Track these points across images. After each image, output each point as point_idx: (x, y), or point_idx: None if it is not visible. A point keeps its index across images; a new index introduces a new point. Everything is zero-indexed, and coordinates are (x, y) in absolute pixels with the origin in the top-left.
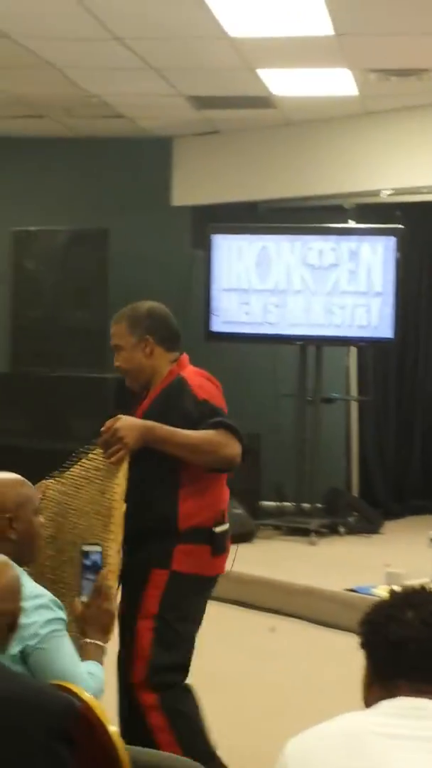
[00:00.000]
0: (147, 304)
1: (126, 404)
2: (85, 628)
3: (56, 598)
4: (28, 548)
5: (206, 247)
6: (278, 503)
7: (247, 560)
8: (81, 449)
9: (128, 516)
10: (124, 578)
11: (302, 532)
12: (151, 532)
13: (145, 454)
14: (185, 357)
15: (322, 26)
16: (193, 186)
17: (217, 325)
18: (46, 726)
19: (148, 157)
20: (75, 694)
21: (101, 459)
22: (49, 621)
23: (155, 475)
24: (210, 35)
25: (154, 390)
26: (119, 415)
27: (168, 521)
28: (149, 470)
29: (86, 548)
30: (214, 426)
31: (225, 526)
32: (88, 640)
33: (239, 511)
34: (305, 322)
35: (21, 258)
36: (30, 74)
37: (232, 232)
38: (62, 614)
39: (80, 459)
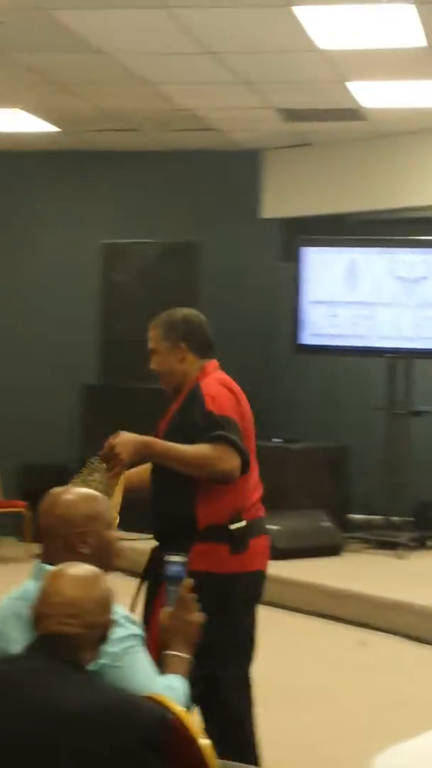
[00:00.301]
0: (183, 311)
1: None
2: (168, 639)
3: (129, 614)
4: (101, 562)
5: (295, 260)
6: (367, 516)
7: (335, 573)
8: (89, 461)
9: (154, 519)
10: (149, 583)
11: (391, 546)
12: (173, 532)
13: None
14: (210, 364)
15: (415, 38)
16: (282, 198)
17: (306, 337)
18: (140, 737)
19: (237, 169)
20: (167, 707)
21: (103, 472)
22: (123, 638)
23: (175, 479)
24: (300, 48)
25: (181, 394)
26: (119, 431)
27: (187, 521)
28: (170, 475)
29: (169, 558)
30: (214, 439)
31: (242, 524)
32: (172, 653)
33: (327, 524)
34: (394, 335)
35: (111, 271)
36: (122, 89)
37: (321, 244)
38: (136, 629)
39: (87, 470)
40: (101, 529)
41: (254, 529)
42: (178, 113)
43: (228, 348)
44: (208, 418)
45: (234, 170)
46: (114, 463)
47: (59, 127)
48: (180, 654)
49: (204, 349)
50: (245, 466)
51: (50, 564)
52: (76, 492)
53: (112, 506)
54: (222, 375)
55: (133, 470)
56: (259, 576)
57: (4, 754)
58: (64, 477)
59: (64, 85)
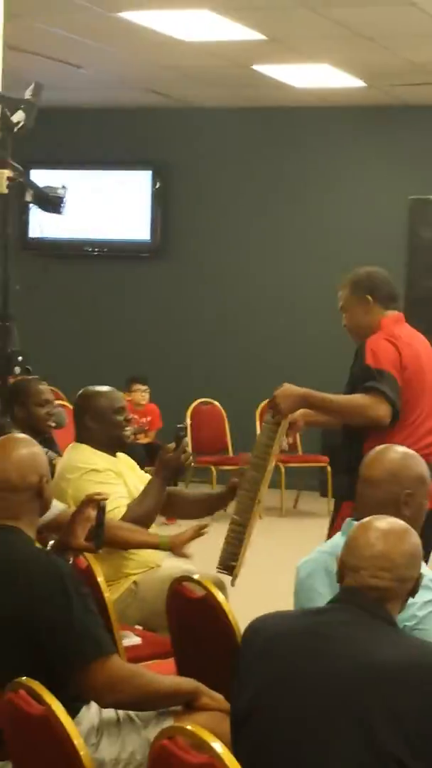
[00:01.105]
0: (367, 269)
1: None
2: None
3: None
4: (414, 525)
5: None
6: None
7: None
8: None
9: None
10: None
11: None
12: (346, 469)
13: None
14: (391, 316)
15: None
16: None
17: None
18: None
19: None
20: None
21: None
22: (427, 603)
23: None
24: None
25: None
26: (283, 384)
27: (357, 460)
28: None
29: None
30: (366, 390)
31: None
32: None
33: None
34: None
35: (417, 227)
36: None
37: None
38: None
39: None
40: (423, 494)
41: None
42: None
43: None
44: (365, 371)
45: None
46: (275, 411)
47: (365, 81)
48: None
49: (387, 301)
50: (396, 415)
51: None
52: (403, 451)
53: (272, 449)
54: (396, 329)
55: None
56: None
57: (313, 705)
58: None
59: (373, 38)
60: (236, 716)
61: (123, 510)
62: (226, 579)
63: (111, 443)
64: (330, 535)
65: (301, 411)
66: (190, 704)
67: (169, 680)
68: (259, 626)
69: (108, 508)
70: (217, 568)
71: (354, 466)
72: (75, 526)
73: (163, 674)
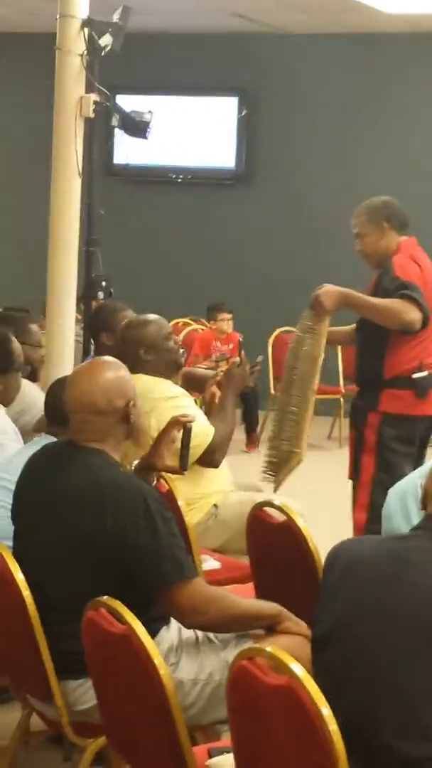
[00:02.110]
0: (382, 198)
1: None
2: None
3: None
4: None
5: None
6: None
7: None
8: (303, 312)
9: (355, 370)
10: (354, 421)
11: None
12: (367, 382)
13: (365, 324)
14: (406, 241)
15: None
16: None
17: None
18: None
19: None
20: None
21: (312, 317)
22: None
23: (370, 336)
24: None
25: (382, 268)
26: (324, 284)
27: (376, 372)
28: (367, 332)
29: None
30: (399, 296)
31: (423, 374)
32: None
33: None
34: None
35: None
36: None
37: None
38: None
39: (301, 319)
40: None
41: None
42: None
43: None
44: (395, 282)
45: None
46: (318, 309)
47: None
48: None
49: (402, 226)
50: (425, 321)
51: None
52: None
53: (318, 345)
54: (414, 251)
55: (345, 328)
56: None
57: (393, 631)
58: None
59: None
60: (316, 640)
61: (212, 428)
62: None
63: (169, 369)
64: (363, 455)
65: None
66: (272, 628)
67: (252, 603)
68: (340, 551)
69: (196, 429)
70: (266, 462)
71: (374, 377)
72: (161, 447)
73: (245, 598)
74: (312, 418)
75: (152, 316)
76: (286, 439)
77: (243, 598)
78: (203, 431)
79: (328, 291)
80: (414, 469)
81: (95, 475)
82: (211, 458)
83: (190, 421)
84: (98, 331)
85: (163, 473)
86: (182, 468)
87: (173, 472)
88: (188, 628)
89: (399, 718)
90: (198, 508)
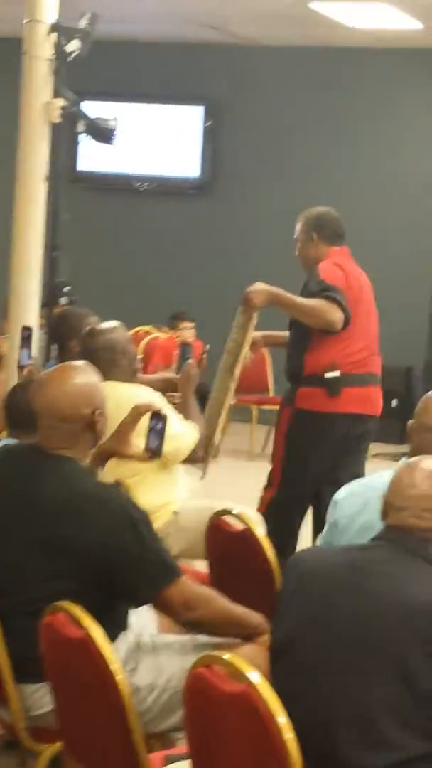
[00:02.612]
0: (318, 209)
1: None
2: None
3: None
4: None
5: None
6: None
7: None
8: (235, 308)
9: (285, 365)
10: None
11: None
12: (290, 377)
13: (295, 323)
14: (336, 250)
15: None
16: None
17: None
18: None
19: None
20: None
21: (241, 315)
22: None
23: (297, 335)
24: None
25: (310, 272)
26: (256, 282)
27: (297, 368)
28: (296, 332)
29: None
30: (323, 297)
31: (336, 374)
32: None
33: None
34: None
35: None
36: None
37: None
38: None
39: (235, 315)
40: None
41: (350, 380)
42: None
43: None
44: (320, 284)
45: None
46: (247, 306)
47: (424, 23)
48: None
49: (332, 238)
50: (347, 321)
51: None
52: None
53: (244, 341)
54: (342, 259)
55: (279, 333)
56: (353, 417)
57: (349, 641)
58: (408, 379)
59: None
60: (273, 650)
61: (195, 427)
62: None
63: (134, 375)
64: (276, 439)
65: (261, 333)
66: (250, 638)
67: (239, 608)
68: (298, 560)
69: (183, 430)
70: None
71: (295, 373)
72: (128, 434)
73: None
74: (230, 408)
75: (115, 322)
76: (207, 426)
77: (230, 601)
78: (189, 431)
79: (258, 289)
80: (346, 466)
81: (71, 484)
82: (194, 455)
83: (160, 409)
84: (65, 338)
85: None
86: (157, 455)
87: (141, 460)
88: (181, 625)
89: (354, 727)
90: (159, 516)
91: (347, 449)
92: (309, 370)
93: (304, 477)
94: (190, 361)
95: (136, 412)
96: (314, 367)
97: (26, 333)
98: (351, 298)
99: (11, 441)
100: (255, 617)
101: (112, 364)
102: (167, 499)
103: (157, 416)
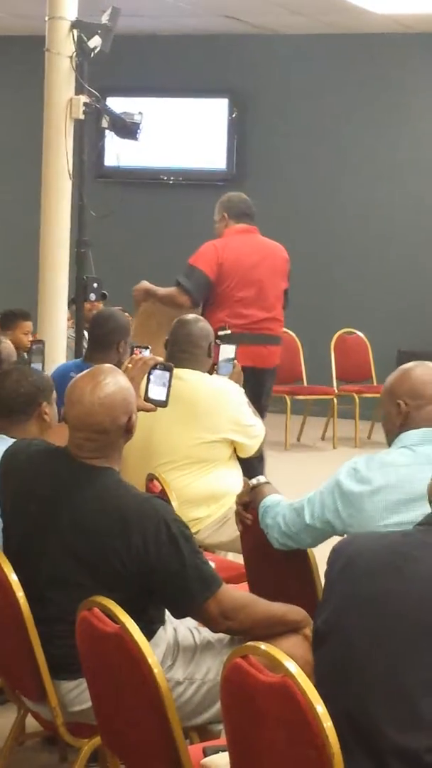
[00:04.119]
0: (230, 194)
1: None
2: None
3: None
4: None
5: None
6: None
7: None
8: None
9: None
10: None
11: None
12: None
13: None
14: (233, 228)
15: None
16: None
17: None
18: None
19: None
20: None
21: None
22: None
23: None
24: None
25: None
26: (141, 281)
27: None
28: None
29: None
30: (176, 284)
31: (227, 332)
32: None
33: None
34: None
35: None
36: None
37: None
38: None
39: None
40: None
41: (241, 339)
42: None
43: None
44: (185, 268)
45: None
46: (135, 303)
47: None
48: None
49: (236, 215)
50: (195, 302)
51: None
52: None
53: (135, 325)
54: (230, 236)
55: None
56: (246, 369)
57: (392, 625)
58: None
59: None
60: (317, 633)
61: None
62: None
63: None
64: None
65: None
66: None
67: (278, 607)
68: (343, 545)
69: (260, 424)
70: None
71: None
72: (137, 388)
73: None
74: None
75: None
76: None
77: (270, 602)
78: (261, 424)
79: (137, 287)
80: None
81: (112, 498)
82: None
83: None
84: (112, 337)
85: None
86: (164, 405)
87: (149, 410)
88: (217, 632)
89: (396, 709)
90: (225, 503)
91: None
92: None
93: None
94: (235, 361)
95: (144, 364)
96: (213, 326)
97: (37, 346)
98: (226, 270)
99: None
100: (296, 613)
101: (202, 352)
102: (234, 486)
103: (164, 367)
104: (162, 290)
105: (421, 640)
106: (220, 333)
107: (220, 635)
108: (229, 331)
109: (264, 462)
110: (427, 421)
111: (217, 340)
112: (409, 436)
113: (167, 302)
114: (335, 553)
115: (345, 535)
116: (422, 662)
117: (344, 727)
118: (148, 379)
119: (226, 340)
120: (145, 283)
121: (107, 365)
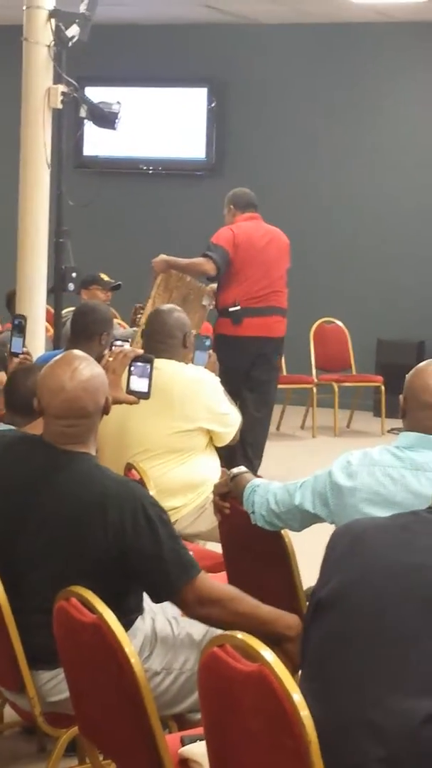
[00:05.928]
0: (235, 189)
1: None
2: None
3: None
4: None
5: None
6: None
7: None
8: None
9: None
10: None
11: None
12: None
13: None
14: (243, 216)
15: None
16: None
17: None
18: None
19: None
20: None
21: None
22: None
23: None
24: None
25: None
26: (159, 254)
27: (217, 304)
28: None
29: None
30: (203, 255)
31: (237, 308)
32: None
33: None
34: None
35: None
36: None
37: None
38: None
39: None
40: None
41: (250, 312)
42: None
43: None
44: (208, 245)
45: None
46: (154, 273)
47: None
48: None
49: (243, 206)
50: (219, 270)
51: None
52: None
53: (153, 294)
54: (242, 223)
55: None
56: (254, 339)
57: (395, 599)
58: (421, 353)
59: None
60: (318, 605)
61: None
62: None
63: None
64: None
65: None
66: (279, 640)
67: (269, 611)
68: (349, 525)
69: (235, 413)
70: None
71: (216, 308)
72: (119, 380)
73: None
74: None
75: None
76: None
77: (260, 603)
78: (236, 414)
79: (156, 260)
80: (258, 375)
81: (90, 483)
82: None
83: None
84: (94, 329)
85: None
86: (146, 397)
87: (130, 402)
88: (193, 619)
89: (399, 675)
90: (203, 492)
91: (254, 362)
92: (221, 305)
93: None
94: (211, 351)
95: (125, 357)
96: (223, 303)
97: (19, 321)
98: (241, 252)
99: (7, 427)
100: (286, 619)
101: (177, 342)
102: (212, 476)
103: (144, 359)
104: (184, 260)
105: (426, 608)
106: (231, 309)
107: (200, 626)
108: (239, 307)
109: (260, 463)
110: (416, 425)
111: (193, 330)
112: (408, 437)
113: (191, 270)
114: (340, 533)
115: (333, 524)
116: (425, 639)
117: (344, 696)
118: (130, 372)
119: (236, 315)
120: (163, 256)
121: (74, 351)
